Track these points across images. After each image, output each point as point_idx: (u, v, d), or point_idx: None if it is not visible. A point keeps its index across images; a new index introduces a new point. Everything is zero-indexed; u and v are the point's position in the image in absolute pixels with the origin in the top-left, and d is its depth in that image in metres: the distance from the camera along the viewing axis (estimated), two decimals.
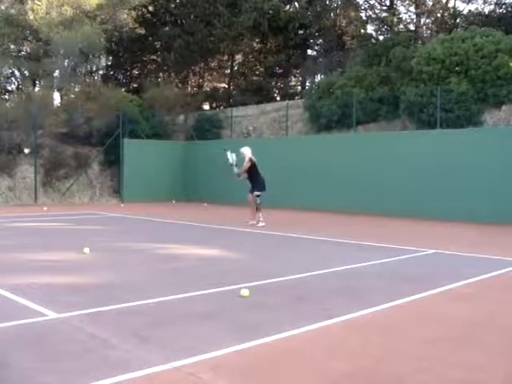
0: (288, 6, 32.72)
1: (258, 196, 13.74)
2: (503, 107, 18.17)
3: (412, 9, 29.73)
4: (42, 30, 25.20)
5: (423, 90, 18.63)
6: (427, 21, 29.82)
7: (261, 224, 13.52)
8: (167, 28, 33.91)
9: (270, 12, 30.27)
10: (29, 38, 27.39)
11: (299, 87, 36.05)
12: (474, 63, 18.11)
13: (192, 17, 32.89)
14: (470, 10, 27.48)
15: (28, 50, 27.91)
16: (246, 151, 13.97)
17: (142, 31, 30.82)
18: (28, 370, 3.89)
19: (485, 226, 13.95)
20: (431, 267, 8.23)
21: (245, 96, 31.41)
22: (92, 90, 25.40)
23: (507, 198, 14.46)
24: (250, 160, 13.81)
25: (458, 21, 28.18)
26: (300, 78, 36.24)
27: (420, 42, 26.54)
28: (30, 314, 5.28)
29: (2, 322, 4.96)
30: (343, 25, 32.66)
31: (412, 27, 29.52)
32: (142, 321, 5.12)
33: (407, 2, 29.92)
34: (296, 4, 32.91)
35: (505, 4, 25.75)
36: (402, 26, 29.86)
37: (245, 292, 6.05)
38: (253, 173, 13.88)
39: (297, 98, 30.69)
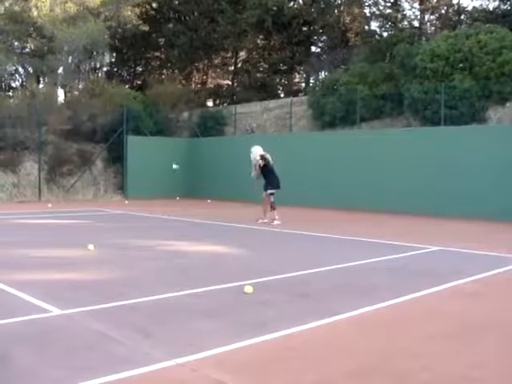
0: (292, 3, 32.68)
1: (271, 194, 13.64)
2: (507, 104, 18.12)
3: (416, 5, 29.61)
4: (45, 27, 25.22)
5: (427, 87, 18.59)
6: (431, 17, 29.74)
7: (276, 222, 13.37)
8: (171, 25, 33.90)
9: (274, 9, 30.24)
10: (33, 35, 27.39)
11: (303, 84, 36.01)
12: (478, 60, 18.06)
13: (196, 13, 32.88)
14: (474, 7, 27.35)
15: (32, 46, 27.90)
16: (255, 150, 13.75)
17: (146, 28, 30.79)
18: (32, 366, 3.90)
19: (490, 223, 13.92)
20: (436, 264, 8.22)
21: (248, 93, 31.40)
22: (96, 87, 25.45)
23: None
24: (262, 158, 13.62)
25: (462, 17, 28.09)
26: (304, 75, 36.19)
27: (424, 38, 26.47)
28: (34, 310, 5.30)
29: (5, 318, 4.98)
30: (347, 21, 32.58)
31: (416, 24, 29.44)
32: (146, 317, 5.13)
33: None
34: (300, 1, 32.86)
35: (509, 0, 25.62)
36: (406, 23, 29.77)
37: (248, 289, 6.06)
38: (266, 171, 13.73)
39: (300, 94, 30.65)
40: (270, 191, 13.68)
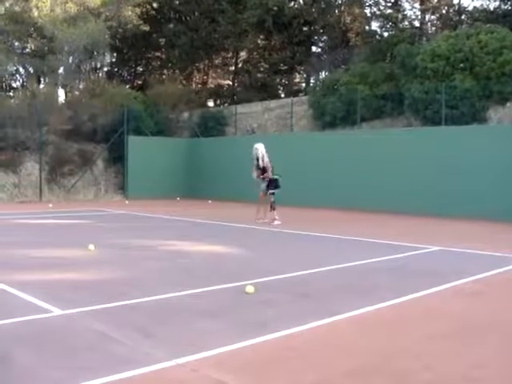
0: (292, 3, 32.69)
1: (272, 194, 13.58)
2: (508, 104, 18.13)
3: (417, 5, 29.63)
4: (46, 27, 25.23)
5: (428, 87, 18.60)
6: (432, 17, 29.74)
7: (277, 222, 13.30)
8: (171, 25, 33.92)
9: (275, 9, 30.24)
10: (33, 35, 27.40)
11: (303, 84, 36.02)
12: (479, 60, 18.06)
13: (196, 13, 32.90)
14: (474, 7, 27.37)
15: (32, 47, 27.92)
16: (261, 148, 13.61)
17: (147, 28, 30.78)
18: (32, 366, 3.90)
19: (490, 224, 13.92)
20: (436, 264, 8.21)
21: (249, 93, 31.41)
22: (96, 87, 25.45)
23: None
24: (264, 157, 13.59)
25: (462, 17, 28.09)
26: (304, 75, 36.21)
27: (425, 38, 26.48)
28: (35, 310, 5.30)
29: (6, 318, 4.98)
30: (348, 21, 32.58)
31: (417, 24, 29.45)
32: (146, 317, 5.13)
33: None
34: (300, 1, 32.86)
35: (510, 0, 25.62)
36: (406, 23, 29.78)
37: (250, 288, 6.06)
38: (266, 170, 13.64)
39: (301, 94, 30.65)
40: (271, 191, 13.64)
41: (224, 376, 3.74)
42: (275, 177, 13.70)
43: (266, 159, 13.62)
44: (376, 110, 20.87)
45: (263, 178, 13.71)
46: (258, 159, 13.64)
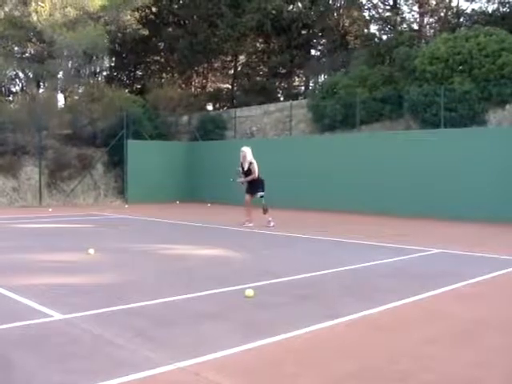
0: (291, 6, 32.72)
1: (261, 197, 13.53)
2: (507, 106, 18.14)
3: (415, 8, 29.68)
4: (45, 32, 25.25)
5: (427, 90, 18.61)
6: (430, 20, 29.79)
7: (272, 224, 13.23)
8: (170, 29, 33.98)
9: (274, 12, 30.29)
10: (32, 40, 27.44)
11: (303, 87, 36.09)
12: (478, 62, 18.08)
13: (195, 17, 32.95)
14: (473, 9, 27.42)
15: (32, 51, 27.96)
16: (248, 151, 13.56)
17: (146, 32, 30.79)
18: (33, 371, 3.89)
19: (489, 226, 13.91)
20: (436, 267, 8.21)
21: (248, 96, 31.45)
22: (96, 92, 25.47)
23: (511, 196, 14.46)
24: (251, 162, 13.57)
25: (461, 20, 28.12)
26: (303, 78, 36.26)
27: (423, 41, 26.50)
28: (35, 314, 5.29)
29: (6, 323, 4.97)
30: (346, 25, 32.67)
31: (415, 26, 29.47)
32: (147, 321, 5.13)
33: (410, 1, 29.85)
34: (299, 4, 32.90)
35: (508, 3, 25.67)
36: (405, 26, 29.79)
37: (249, 292, 6.05)
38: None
39: (300, 98, 30.68)
40: (260, 194, 13.54)
41: (225, 379, 3.73)
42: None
43: (252, 163, 13.52)
44: (375, 113, 20.90)
45: (244, 181, 13.70)
46: (247, 163, 13.53)
